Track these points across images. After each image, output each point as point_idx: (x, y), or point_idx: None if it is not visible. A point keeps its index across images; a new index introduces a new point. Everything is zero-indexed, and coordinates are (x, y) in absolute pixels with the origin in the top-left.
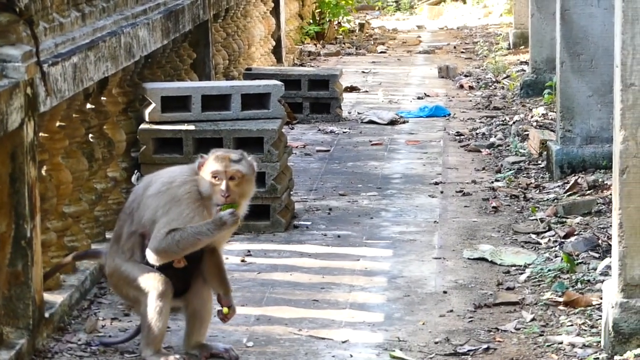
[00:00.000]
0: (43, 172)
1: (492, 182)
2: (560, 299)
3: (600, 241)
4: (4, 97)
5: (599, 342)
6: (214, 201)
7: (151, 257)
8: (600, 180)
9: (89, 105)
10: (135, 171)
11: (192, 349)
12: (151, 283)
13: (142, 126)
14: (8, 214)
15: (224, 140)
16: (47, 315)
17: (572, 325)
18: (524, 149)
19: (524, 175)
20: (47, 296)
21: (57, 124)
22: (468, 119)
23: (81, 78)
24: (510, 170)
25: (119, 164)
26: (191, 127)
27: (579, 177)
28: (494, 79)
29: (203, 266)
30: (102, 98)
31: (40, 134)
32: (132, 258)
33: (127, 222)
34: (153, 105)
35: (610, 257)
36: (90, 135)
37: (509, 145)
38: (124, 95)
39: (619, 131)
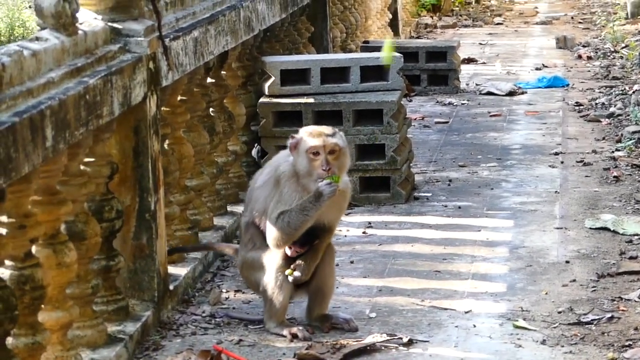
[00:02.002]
0: (165, 146)
1: (613, 152)
2: None
3: None
4: (127, 71)
5: None
6: (314, 177)
7: (271, 245)
8: None
9: (209, 79)
10: (256, 144)
11: (314, 320)
12: (270, 259)
13: (262, 100)
14: (132, 188)
15: (343, 112)
16: (171, 287)
17: None
18: None
19: None
20: (171, 269)
21: (179, 98)
22: (587, 89)
23: (202, 52)
24: (630, 139)
25: (239, 137)
26: (310, 100)
27: None
28: (612, 49)
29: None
30: (222, 72)
31: (163, 108)
32: (253, 248)
33: (245, 215)
34: (272, 78)
35: None
36: (211, 109)
37: (629, 115)
38: (244, 69)
39: None
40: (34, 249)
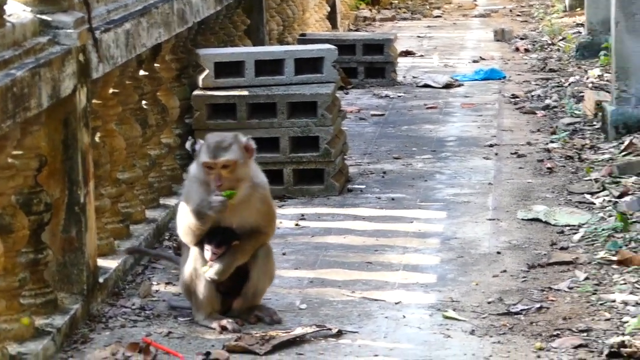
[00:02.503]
0: (97, 138)
1: (547, 144)
2: (614, 258)
3: None
4: (56, 63)
5: None
6: (211, 188)
7: (182, 241)
8: None
9: (142, 72)
10: (189, 137)
11: (240, 312)
12: (193, 253)
13: (196, 92)
14: (61, 180)
15: (277, 104)
16: (101, 280)
17: (625, 283)
18: (579, 111)
19: (579, 136)
20: (101, 262)
21: (110, 90)
22: (523, 81)
23: (134, 44)
24: (565, 131)
25: (173, 130)
26: (244, 92)
27: (634, 137)
28: (549, 42)
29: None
30: (155, 64)
31: (94, 100)
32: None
33: None
34: (206, 71)
35: None
36: (144, 101)
37: (564, 107)
38: (177, 62)
39: None
40: None
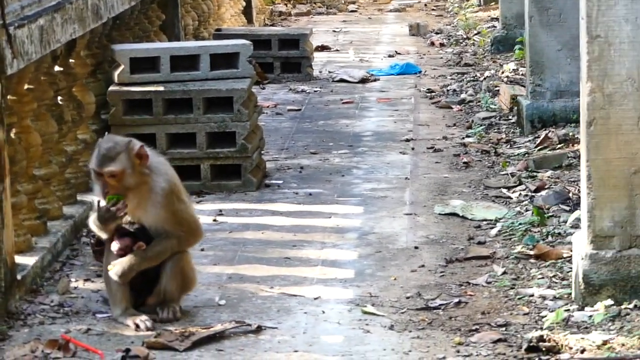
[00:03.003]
0: (12, 135)
1: (463, 138)
2: (531, 252)
3: (570, 194)
4: None
5: (570, 294)
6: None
7: None
8: (570, 133)
9: (57, 68)
10: (106, 133)
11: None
12: (108, 249)
13: (111, 88)
14: None
15: (193, 100)
16: (19, 277)
17: (543, 277)
18: (495, 105)
19: (495, 130)
20: (18, 258)
21: (25, 86)
22: (439, 76)
23: (48, 40)
24: (481, 125)
25: (89, 126)
26: (160, 88)
27: (550, 131)
28: (464, 36)
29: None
30: (70, 60)
31: (8, 96)
32: None
33: None
34: (122, 66)
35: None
36: (59, 97)
37: (479, 101)
38: (93, 57)
39: (585, 83)
40: None
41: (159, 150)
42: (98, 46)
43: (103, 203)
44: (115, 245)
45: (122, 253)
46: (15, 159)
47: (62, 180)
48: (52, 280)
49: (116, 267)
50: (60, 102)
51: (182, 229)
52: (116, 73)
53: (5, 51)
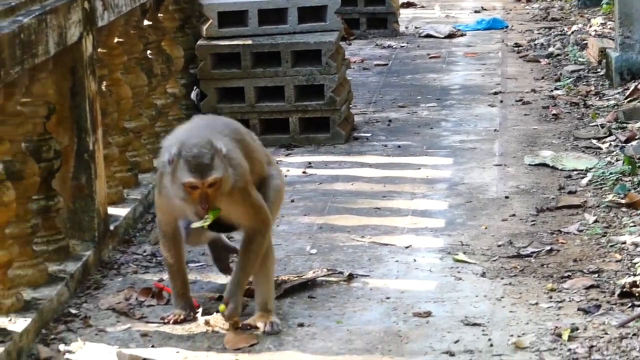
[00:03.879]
0: (103, 87)
1: (552, 91)
2: (623, 201)
3: None
4: (62, 11)
5: None
6: (191, 209)
7: None
8: None
9: (146, 22)
10: (195, 87)
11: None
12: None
13: (200, 42)
14: (70, 128)
15: (281, 53)
16: (112, 228)
17: (634, 225)
18: (583, 58)
19: (584, 83)
20: (111, 210)
21: (115, 39)
22: (526, 30)
23: None
24: (569, 78)
25: (178, 80)
26: (248, 41)
27: (639, 83)
28: None
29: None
30: (159, 14)
31: (99, 49)
32: None
33: None
34: (210, 21)
35: None
36: (149, 51)
37: (567, 55)
38: (181, 12)
39: None
40: None
41: (248, 104)
42: (186, 0)
43: (196, 224)
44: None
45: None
46: (106, 111)
47: (152, 133)
48: (144, 231)
49: (229, 309)
50: (149, 56)
51: (259, 219)
52: (204, 27)
53: (96, 3)
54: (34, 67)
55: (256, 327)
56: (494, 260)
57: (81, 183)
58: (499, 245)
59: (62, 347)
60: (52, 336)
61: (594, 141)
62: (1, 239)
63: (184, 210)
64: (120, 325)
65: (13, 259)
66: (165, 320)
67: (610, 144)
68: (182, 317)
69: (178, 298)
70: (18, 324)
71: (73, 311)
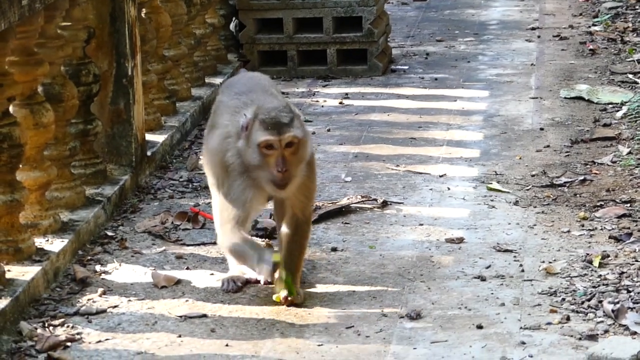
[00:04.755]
0: (143, 14)
1: (589, 27)
2: None
3: None
4: None
5: None
6: (267, 176)
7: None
8: None
9: None
10: (234, 18)
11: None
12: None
13: None
14: (109, 53)
15: None
16: (149, 153)
17: None
18: None
19: (621, 20)
20: (148, 136)
21: None
22: None
23: None
24: (607, 15)
25: (217, 10)
26: None
27: None
28: None
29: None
30: None
31: None
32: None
33: None
34: None
35: None
36: None
37: None
38: None
39: None
40: (11, 108)
41: (286, 35)
42: None
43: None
44: None
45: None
46: (145, 38)
47: (190, 62)
48: (181, 158)
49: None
50: None
51: (308, 210)
52: None
53: None
54: None
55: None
56: (527, 190)
57: (119, 108)
58: (533, 175)
59: (98, 267)
60: (89, 257)
61: (630, 76)
62: (40, 160)
63: (260, 199)
64: (155, 248)
65: (51, 181)
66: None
67: None
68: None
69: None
70: (55, 245)
71: (109, 233)
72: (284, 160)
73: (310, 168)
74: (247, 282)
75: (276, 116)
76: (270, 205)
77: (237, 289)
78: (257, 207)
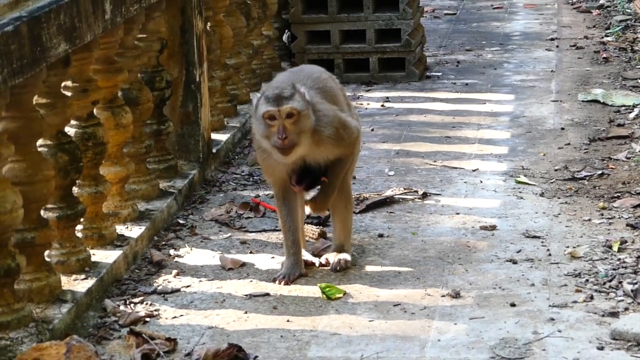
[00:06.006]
0: (208, 27)
1: (602, 37)
2: None
3: None
4: None
5: None
6: (271, 143)
7: None
8: None
9: None
10: (286, 30)
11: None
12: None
13: None
14: (179, 62)
15: (364, 1)
16: (214, 150)
17: None
18: (630, 9)
19: (631, 31)
20: (213, 135)
21: None
22: None
23: None
24: (618, 27)
25: (272, 23)
26: None
27: None
28: None
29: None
30: None
31: None
32: None
33: None
34: None
35: None
36: None
37: (616, 6)
38: None
39: None
40: (95, 111)
41: (333, 45)
42: None
43: (275, 141)
44: (299, 186)
45: (305, 188)
46: (210, 48)
47: (249, 70)
48: (242, 154)
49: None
50: (248, 1)
51: (349, 143)
52: None
53: None
54: (150, 6)
55: (327, 264)
56: (552, 182)
57: (188, 110)
58: (556, 170)
59: (172, 252)
60: (163, 242)
61: None
62: (119, 156)
63: (279, 168)
64: (222, 234)
65: (130, 175)
66: (277, 282)
67: None
68: (290, 279)
69: (289, 257)
70: (134, 231)
71: (181, 221)
72: (284, 128)
73: (330, 132)
74: (305, 264)
75: (278, 91)
76: None
77: (294, 278)
78: (282, 177)
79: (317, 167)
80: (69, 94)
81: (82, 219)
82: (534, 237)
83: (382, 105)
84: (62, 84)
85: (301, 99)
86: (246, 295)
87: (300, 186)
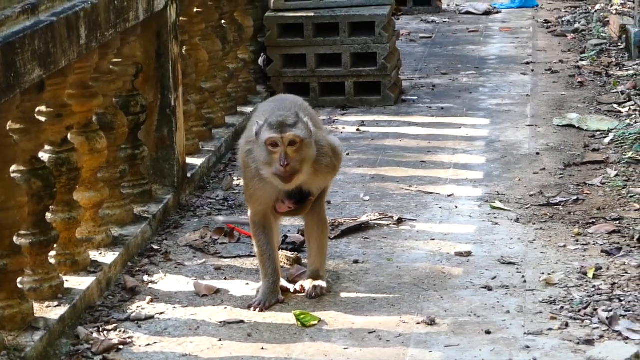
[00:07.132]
0: (183, 51)
1: (577, 62)
2: None
3: None
4: None
5: None
6: (272, 171)
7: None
8: None
9: None
10: (262, 54)
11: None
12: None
13: (268, 14)
14: (155, 86)
15: (339, 24)
16: (189, 175)
17: None
18: (605, 33)
19: (606, 55)
20: (188, 159)
21: (195, 9)
22: (554, 9)
23: None
24: (593, 51)
25: (248, 47)
26: (311, 13)
27: None
28: None
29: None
30: None
31: (181, 17)
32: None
33: None
34: None
35: None
36: (223, 20)
37: (591, 31)
38: None
39: None
40: (69, 136)
41: (309, 69)
42: None
43: (277, 167)
44: (286, 202)
45: (291, 206)
46: (186, 72)
47: (224, 93)
48: (217, 179)
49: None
50: (224, 25)
51: (338, 168)
52: (272, 0)
53: None
54: (125, 31)
55: (302, 291)
56: (527, 208)
57: (163, 135)
58: (531, 195)
59: (145, 277)
60: (137, 268)
61: (615, 106)
62: (94, 182)
63: (271, 194)
64: (196, 260)
65: (104, 200)
66: (252, 309)
67: (630, 108)
68: (267, 305)
69: (266, 284)
70: (107, 257)
71: (155, 247)
72: (286, 155)
73: (328, 162)
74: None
75: (281, 118)
76: (299, 222)
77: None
78: (271, 204)
79: (308, 191)
80: (43, 119)
81: (55, 245)
82: (509, 263)
83: (358, 130)
84: (36, 109)
85: (304, 127)
86: (220, 322)
87: (288, 203)
